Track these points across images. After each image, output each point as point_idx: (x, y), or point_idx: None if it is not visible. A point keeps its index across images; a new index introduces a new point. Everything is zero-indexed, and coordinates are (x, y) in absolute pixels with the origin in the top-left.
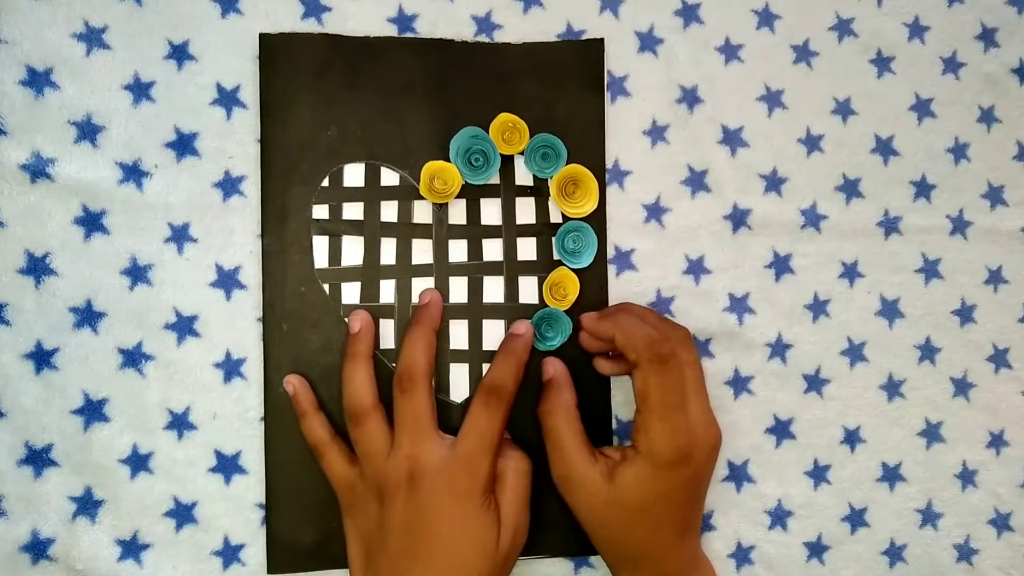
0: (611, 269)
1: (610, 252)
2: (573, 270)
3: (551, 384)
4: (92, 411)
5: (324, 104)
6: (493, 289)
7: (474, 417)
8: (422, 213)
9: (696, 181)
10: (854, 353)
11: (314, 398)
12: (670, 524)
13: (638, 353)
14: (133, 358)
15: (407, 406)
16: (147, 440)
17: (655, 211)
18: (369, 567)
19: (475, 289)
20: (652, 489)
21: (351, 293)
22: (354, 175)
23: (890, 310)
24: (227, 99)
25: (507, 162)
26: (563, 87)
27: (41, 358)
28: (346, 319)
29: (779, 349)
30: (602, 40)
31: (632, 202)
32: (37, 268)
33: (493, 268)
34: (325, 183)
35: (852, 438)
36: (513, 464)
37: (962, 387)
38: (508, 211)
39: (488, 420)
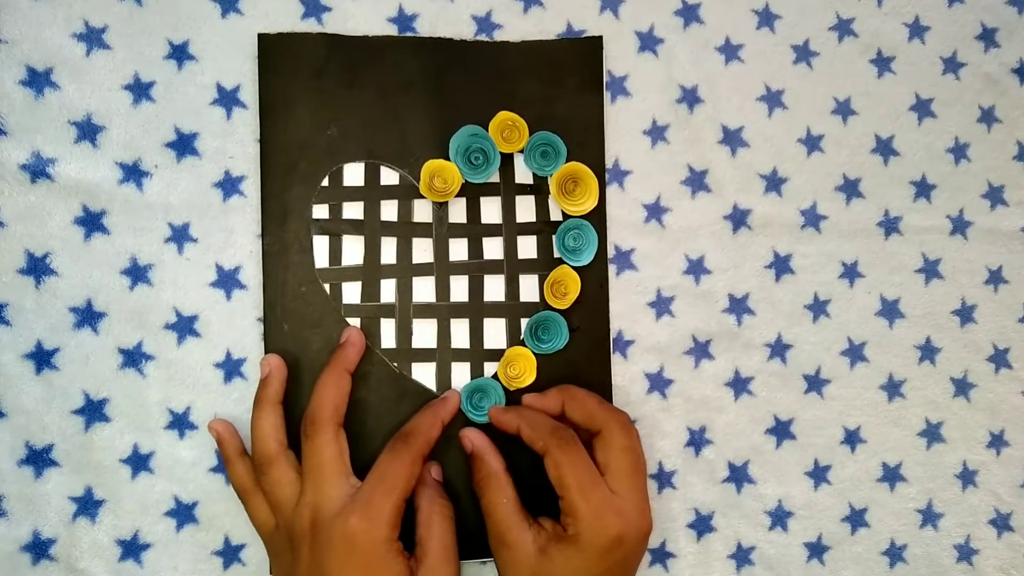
0: (611, 269)
1: (610, 252)
2: (574, 268)
3: (474, 456)
4: (92, 411)
5: (324, 104)
6: (494, 288)
7: (379, 461)
8: (422, 212)
9: (696, 181)
10: (854, 353)
11: (239, 444)
12: None
13: (544, 440)
14: (133, 358)
15: (311, 451)
16: (148, 440)
17: (655, 211)
18: None
19: (476, 288)
20: (581, 574)
21: (352, 293)
22: (354, 174)
23: (890, 310)
24: (227, 99)
25: (507, 160)
26: (562, 85)
27: (41, 358)
28: (347, 319)
29: (779, 349)
30: (600, 38)
31: (632, 202)
32: (37, 268)
33: (494, 267)
34: (325, 183)
35: (852, 438)
36: (439, 509)
37: (962, 387)
38: (508, 209)
39: (391, 463)
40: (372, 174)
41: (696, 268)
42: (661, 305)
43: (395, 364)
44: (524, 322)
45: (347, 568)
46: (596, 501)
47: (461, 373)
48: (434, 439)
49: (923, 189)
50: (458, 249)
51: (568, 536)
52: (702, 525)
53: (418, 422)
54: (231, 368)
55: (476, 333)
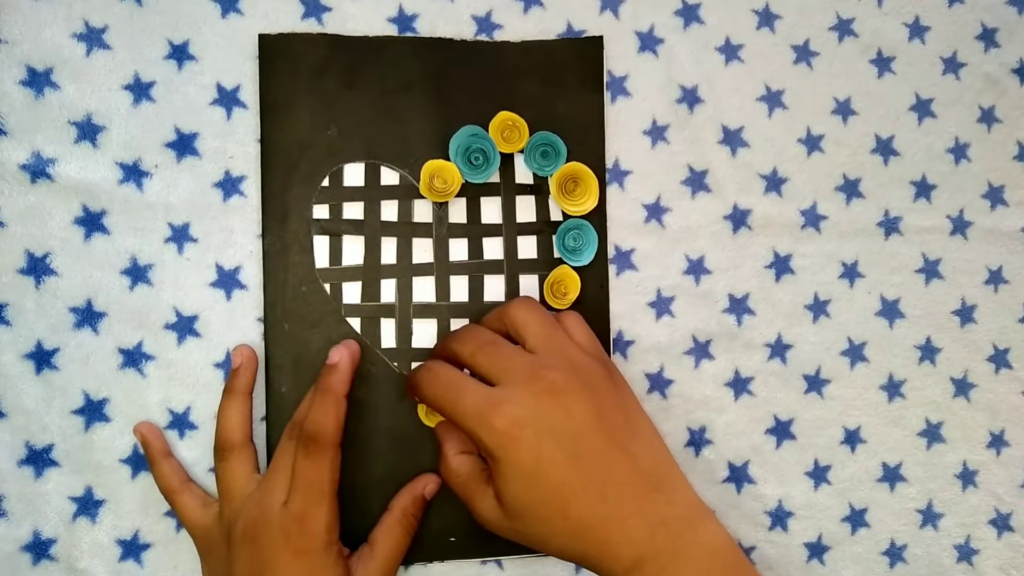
0: (611, 269)
1: (610, 252)
2: (574, 268)
3: (437, 443)
4: (92, 411)
5: (324, 104)
6: (494, 288)
7: (296, 471)
8: (422, 212)
9: (696, 181)
10: (854, 353)
11: (164, 445)
12: (573, 499)
13: (412, 384)
14: (133, 358)
15: (305, 467)
16: None
17: (655, 211)
18: None
19: (476, 288)
20: (513, 487)
21: (352, 292)
22: (354, 174)
23: (890, 310)
24: (227, 99)
25: (507, 160)
26: (562, 85)
27: (41, 358)
28: (347, 319)
29: (779, 349)
30: (601, 38)
31: (632, 202)
32: (37, 268)
33: (494, 267)
34: (325, 183)
35: (852, 438)
36: (407, 524)
37: (962, 387)
38: (508, 209)
39: (313, 471)
40: (372, 174)
41: (696, 268)
42: (661, 305)
43: (395, 364)
44: None
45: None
46: (469, 408)
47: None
48: (342, 420)
49: (923, 189)
50: (458, 249)
51: (493, 470)
52: None
53: (320, 419)
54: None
55: None
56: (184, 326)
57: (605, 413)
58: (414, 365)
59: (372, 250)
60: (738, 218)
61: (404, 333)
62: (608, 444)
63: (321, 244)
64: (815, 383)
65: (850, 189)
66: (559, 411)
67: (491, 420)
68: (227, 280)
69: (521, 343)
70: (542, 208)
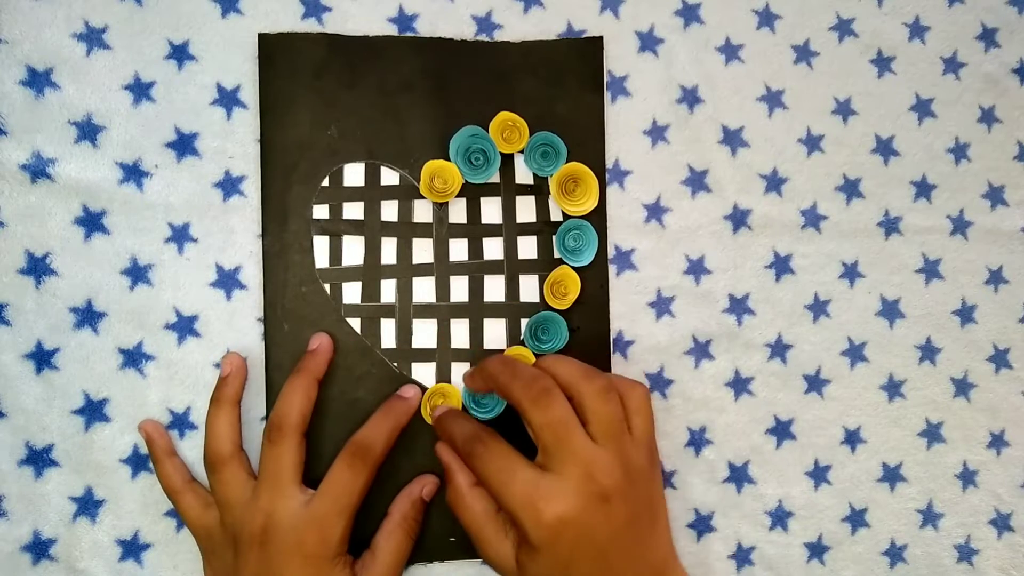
0: (611, 269)
1: (610, 252)
2: (574, 268)
3: (446, 470)
4: (93, 411)
5: (324, 104)
6: (494, 288)
7: (333, 476)
8: (422, 212)
9: (696, 181)
10: (854, 353)
11: (168, 444)
12: None
13: (461, 451)
14: (133, 358)
15: (271, 457)
16: None
17: (655, 211)
18: None
19: (476, 288)
20: (541, 570)
21: (352, 293)
22: (354, 175)
23: (890, 310)
24: (227, 99)
25: (507, 161)
26: (562, 85)
27: (41, 358)
28: (347, 319)
29: (779, 349)
30: (601, 38)
31: (632, 202)
32: (37, 268)
33: (494, 267)
34: (325, 183)
35: (852, 438)
36: (407, 528)
37: (963, 387)
38: (508, 210)
39: (347, 481)
40: (372, 174)
41: (696, 268)
42: (661, 305)
43: (395, 364)
44: (524, 322)
45: None
46: (518, 494)
47: (461, 373)
48: (390, 447)
49: (923, 189)
50: (458, 249)
51: (524, 546)
52: (702, 525)
53: (375, 435)
54: None
55: (476, 333)
56: (184, 326)
57: (639, 515)
58: (416, 366)
59: (372, 250)
60: (738, 218)
61: (404, 333)
62: (633, 544)
63: (321, 244)
64: (815, 383)
65: (850, 189)
66: (602, 516)
67: (539, 512)
68: (227, 280)
69: (581, 416)
70: (542, 208)
